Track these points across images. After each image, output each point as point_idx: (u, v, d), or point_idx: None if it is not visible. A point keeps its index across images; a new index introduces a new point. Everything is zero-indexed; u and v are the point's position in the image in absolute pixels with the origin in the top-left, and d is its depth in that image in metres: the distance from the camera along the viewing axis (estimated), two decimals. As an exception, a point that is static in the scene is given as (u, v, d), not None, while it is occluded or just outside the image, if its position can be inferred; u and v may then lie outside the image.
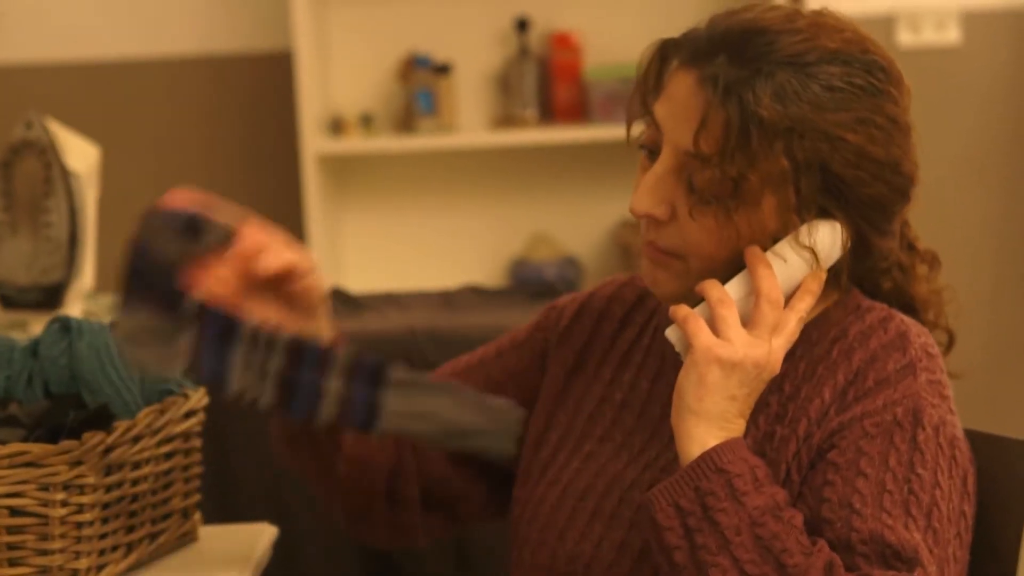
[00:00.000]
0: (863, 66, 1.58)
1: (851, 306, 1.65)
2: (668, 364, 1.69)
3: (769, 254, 1.59)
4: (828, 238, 1.59)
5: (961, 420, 1.63)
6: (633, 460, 1.68)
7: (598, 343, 1.77)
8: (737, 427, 1.55)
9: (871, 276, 1.69)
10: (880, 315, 1.63)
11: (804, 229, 1.58)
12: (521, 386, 1.80)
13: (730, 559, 1.49)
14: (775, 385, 1.60)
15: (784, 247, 1.58)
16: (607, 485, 1.68)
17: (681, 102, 1.58)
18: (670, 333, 1.60)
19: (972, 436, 1.63)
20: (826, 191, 1.57)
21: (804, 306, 1.59)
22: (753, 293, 1.58)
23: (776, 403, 1.60)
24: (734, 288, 1.59)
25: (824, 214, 1.59)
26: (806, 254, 1.58)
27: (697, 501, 1.51)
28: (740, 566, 1.48)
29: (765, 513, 1.50)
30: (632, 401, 1.72)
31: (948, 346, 1.71)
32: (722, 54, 1.56)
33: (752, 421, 1.59)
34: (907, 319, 1.63)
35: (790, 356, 1.61)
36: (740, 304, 1.58)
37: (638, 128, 1.66)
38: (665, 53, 1.63)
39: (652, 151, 1.62)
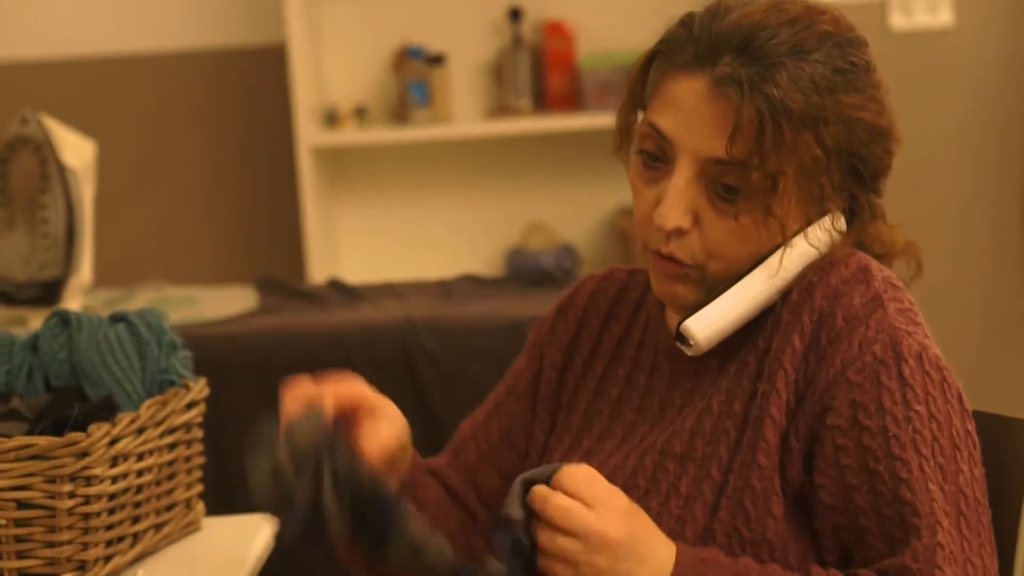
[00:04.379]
0: (852, 44, 1.59)
1: None
2: (662, 355, 1.69)
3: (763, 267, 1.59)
4: (799, 259, 1.59)
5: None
6: (634, 450, 1.67)
7: (585, 337, 1.76)
8: (663, 551, 1.50)
9: None
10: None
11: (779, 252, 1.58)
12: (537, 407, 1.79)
13: None
14: (750, 343, 1.60)
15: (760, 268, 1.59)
16: (609, 475, 1.67)
17: (693, 109, 1.56)
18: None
19: (974, 416, 1.63)
20: (851, 174, 1.59)
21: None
22: (748, 302, 1.57)
23: (754, 360, 1.59)
24: (753, 281, 1.58)
25: (851, 199, 1.60)
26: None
27: None
28: None
29: None
30: (629, 396, 1.70)
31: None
32: (727, 54, 1.55)
33: (736, 382, 1.59)
34: (867, 256, 1.62)
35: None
36: (757, 299, 1.58)
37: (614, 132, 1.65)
38: (652, 60, 1.61)
39: (654, 156, 1.60)
